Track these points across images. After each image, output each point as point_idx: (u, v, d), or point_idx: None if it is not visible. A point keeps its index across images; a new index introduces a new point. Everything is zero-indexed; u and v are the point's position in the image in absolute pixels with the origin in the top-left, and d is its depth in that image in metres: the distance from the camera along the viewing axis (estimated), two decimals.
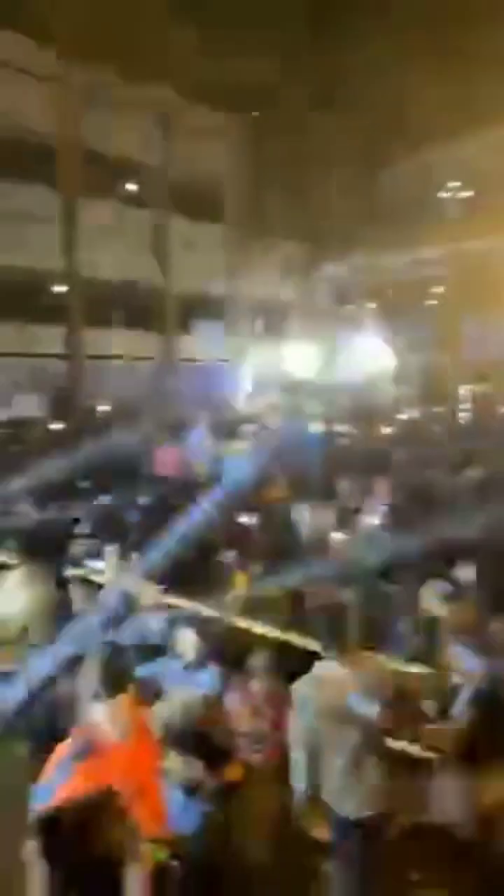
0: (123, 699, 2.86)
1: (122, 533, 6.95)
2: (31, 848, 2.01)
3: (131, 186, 20.89)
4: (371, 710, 3.32)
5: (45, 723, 4.14)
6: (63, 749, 2.91)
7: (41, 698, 4.62)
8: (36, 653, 5.30)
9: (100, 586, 6.06)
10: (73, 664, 4.24)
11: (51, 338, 18.72)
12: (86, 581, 6.16)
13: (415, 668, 4.44)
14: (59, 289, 19.34)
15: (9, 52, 17.14)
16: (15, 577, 5.97)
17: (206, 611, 5.47)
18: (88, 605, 5.73)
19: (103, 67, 17.62)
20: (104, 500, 8.22)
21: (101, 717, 2.85)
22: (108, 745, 2.84)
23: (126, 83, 18.25)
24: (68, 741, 2.93)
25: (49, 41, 17.26)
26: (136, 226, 20.88)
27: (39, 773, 2.89)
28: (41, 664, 5.21)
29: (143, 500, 8.19)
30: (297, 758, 3.38)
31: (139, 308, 21.53)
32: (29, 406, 16.06)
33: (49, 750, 3.00)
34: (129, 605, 5.48)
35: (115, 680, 2.86)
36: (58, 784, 2.69)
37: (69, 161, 19.11)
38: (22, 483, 9.01)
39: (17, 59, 17.32)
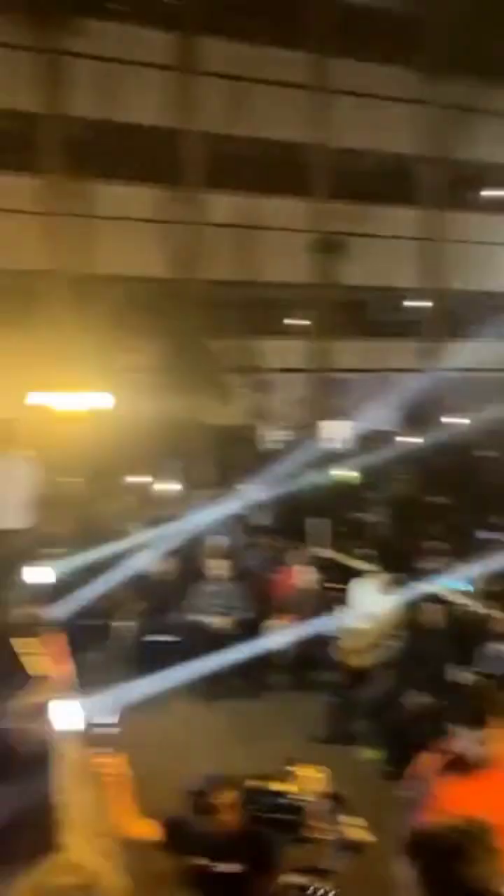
0: (495, 729, 2.69)
1: (475, 552, 6.67)
2: (402, 862, 1.98)
3: (494, 192, 20.12)
4: None
5: (402, 732, 4.14)
6: (426, 763, 2.85)
7: (399, 707, 4.63)
8: (391, 660, 5.35)
9: (451, 605, 5.89)
10: (431, 680, 4.16)
11: (401, 352, 18.97)
12: (437, 599, 6.02)
13: None
14: (414, 304, 19.50)
15: (371, 84, 17.86)
16: (372, 585, 6.14)
17: None
18: (439, 623, 5.59)
19: (464, 79, 17.31)
20: (461, 518, 8.00)
21: (470, 742, 2.72)
22: (473, 772, 2.71)
23: (487, 88, 17.69)
24: (432, 756, 2.86)
25: (410, 63, 17.59)
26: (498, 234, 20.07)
27: (396, 780, 2.88)
28: (394, 674, 5.24)
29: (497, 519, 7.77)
30: None
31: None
32: (381, 419, 16.44)
33: (406, 760, 2.97)
34: (484, 630, 5.20)
35: (485, 707, 2.72)
36: (422, 799, 2.64)
37: (432, 176, 19.21)
38: (375, 494, 9.28)
39: (380, 87, 17.97)
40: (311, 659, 6.11)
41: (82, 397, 12.30)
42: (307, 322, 17.69)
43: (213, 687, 5.79)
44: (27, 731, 2.65)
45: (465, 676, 3.50)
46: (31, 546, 6.22)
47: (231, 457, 12.29)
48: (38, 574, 4.94)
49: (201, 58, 16.04)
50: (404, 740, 3.83)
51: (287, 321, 18.45)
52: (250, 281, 15.83)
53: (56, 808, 2.52)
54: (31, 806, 2.50)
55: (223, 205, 15.82)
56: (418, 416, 15.05)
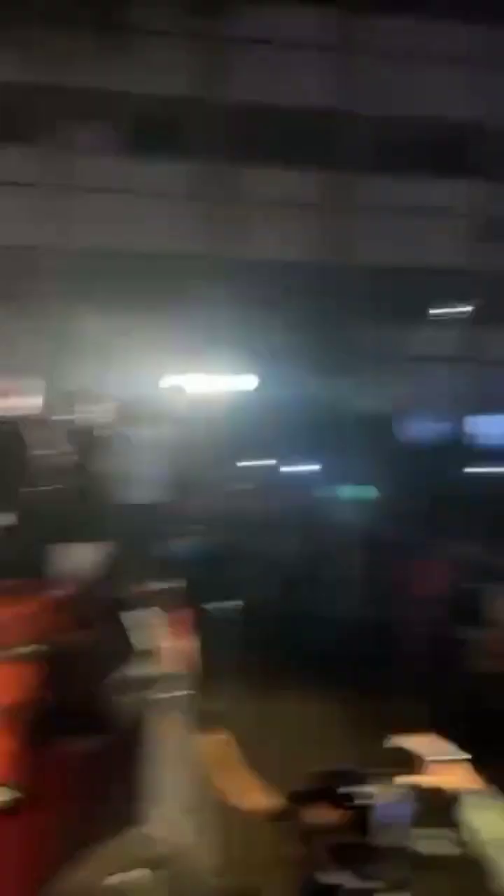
0: None
1: None
2: None
3: None
4: None
5: None
6: None
7: None
8: None
9: None
10: None
11: None
12: None
13: None
14: None
15: None
16: None
17: None
18: None
19: None
20: None
21: None
22: None
23: None
24: None
25: None
26: None
27: None
28: None
29: None
30: None
31: None
32: None
33: None
34: None
35: None
36: None
37: None
38: None
39: None
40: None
41: (225, 380, 12.35)
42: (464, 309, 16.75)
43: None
44: (120, 704, 2.57)
45: None
46: (160, 522, 6.23)
47: (373, 446, 11.80)
48: (166, 549, 4.91)
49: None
50: None
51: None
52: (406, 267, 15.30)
53: (143, 780, 2.43)
54: (117, 776, 2.43)
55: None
56: None
